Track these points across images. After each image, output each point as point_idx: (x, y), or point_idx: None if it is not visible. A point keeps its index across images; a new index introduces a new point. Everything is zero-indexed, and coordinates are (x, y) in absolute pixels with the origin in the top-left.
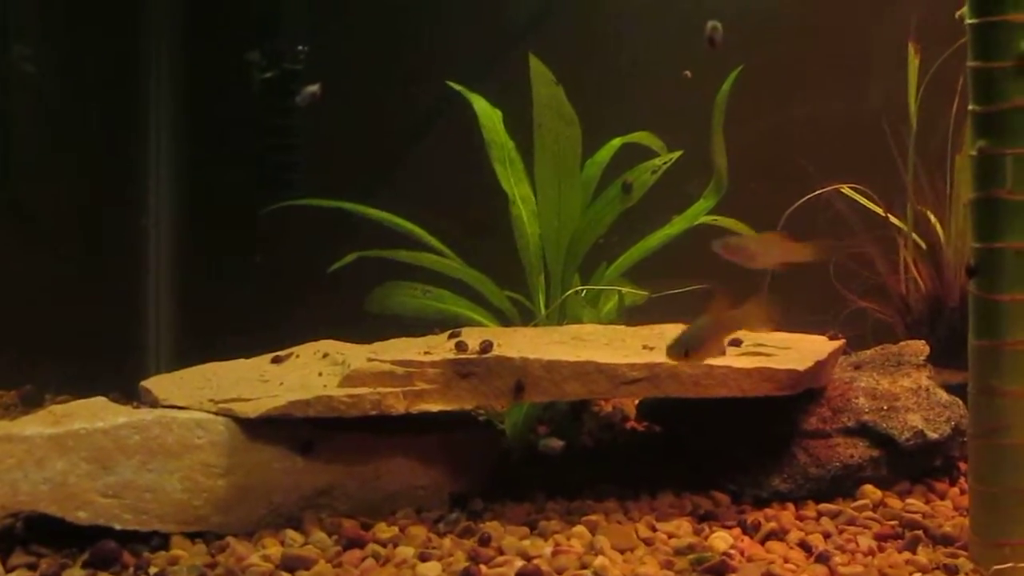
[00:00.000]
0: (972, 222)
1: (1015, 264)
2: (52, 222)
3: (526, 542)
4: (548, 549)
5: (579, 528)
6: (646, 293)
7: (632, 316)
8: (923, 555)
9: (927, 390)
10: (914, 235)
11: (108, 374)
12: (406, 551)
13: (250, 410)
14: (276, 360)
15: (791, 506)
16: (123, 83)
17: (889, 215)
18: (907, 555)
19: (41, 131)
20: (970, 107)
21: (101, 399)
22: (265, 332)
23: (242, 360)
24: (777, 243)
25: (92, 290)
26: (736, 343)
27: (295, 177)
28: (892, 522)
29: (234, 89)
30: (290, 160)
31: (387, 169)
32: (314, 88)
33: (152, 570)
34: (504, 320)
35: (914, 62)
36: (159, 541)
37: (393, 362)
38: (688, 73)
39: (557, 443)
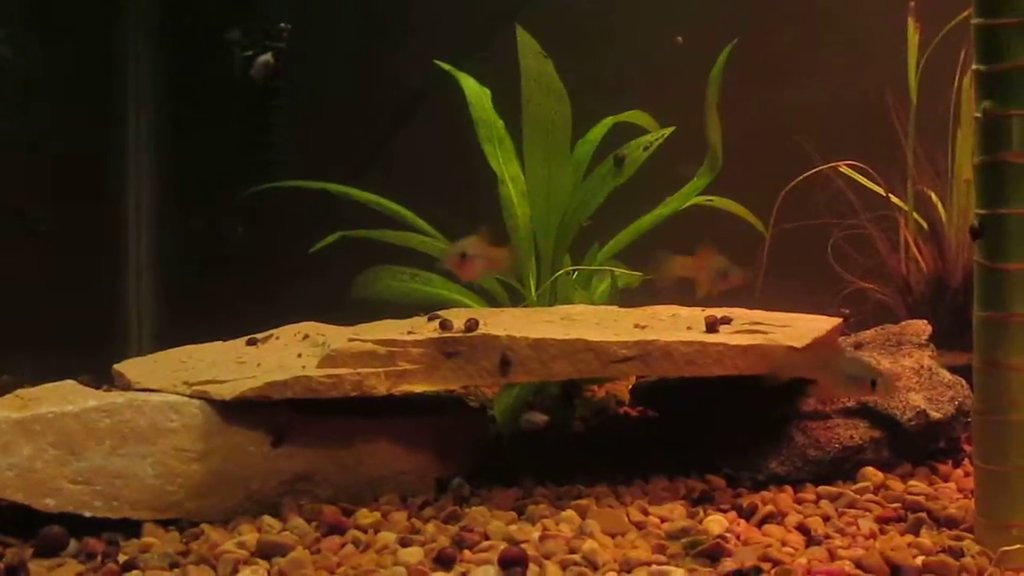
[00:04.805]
0: (977, 187)
1: (1022, 231)
2: (30, 212)
3: (513, 527)
4: (536, 534)
5: (568, 512)
6: (639, 275)
7: (625, 299)
8: (927, 538)
9: (929, 370)
10: (915, 214)
11: (88, 364)
12: (388, 536)
13: (226, 392)
14: (253, 342)
15: (789, 489)
16: (101, 67)
17: (890, 194)
18: (910, 538)
19: (16, 119)
20: (974, 66)
21: (70, 382)
22: (248, 320)
23: (219, 343)
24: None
25: (71, 279)
26: (727, 321)
27: (278, 159)
28: (894, 505)
29: (215, 69)
30: (273, 141)
31: (373, 150)
32: (267, 57)
33: (122, 558)
34: (494, 304)
35: (914, 38)
36: (131, 528)
37: (375, 341)
38: (680, 39)
39: (540, 417)
